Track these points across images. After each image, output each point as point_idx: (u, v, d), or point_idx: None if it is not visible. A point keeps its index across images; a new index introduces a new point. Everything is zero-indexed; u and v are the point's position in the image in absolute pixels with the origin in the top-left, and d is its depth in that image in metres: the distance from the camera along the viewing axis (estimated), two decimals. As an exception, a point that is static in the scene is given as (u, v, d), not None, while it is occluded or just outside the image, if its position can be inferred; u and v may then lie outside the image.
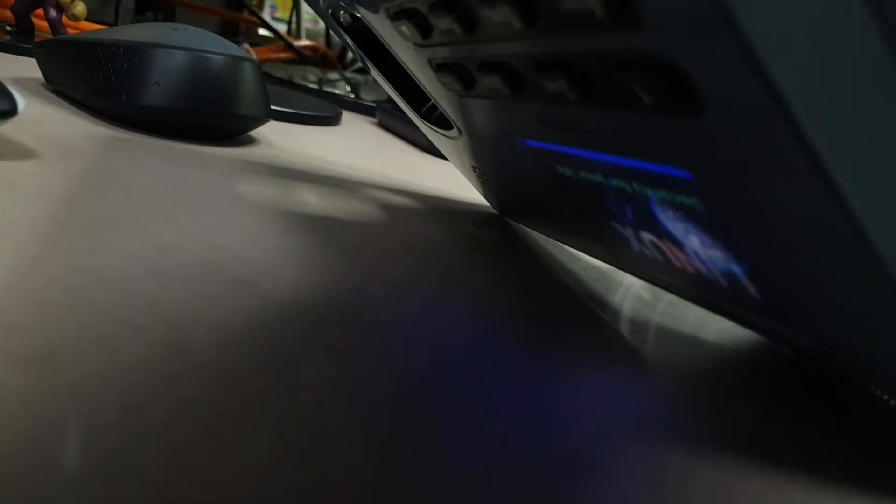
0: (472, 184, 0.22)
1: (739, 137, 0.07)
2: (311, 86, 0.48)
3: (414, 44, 0.13)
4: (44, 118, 0.21)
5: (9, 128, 0.19)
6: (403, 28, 0.12)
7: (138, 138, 0.22)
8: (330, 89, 0.49)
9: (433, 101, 0.16)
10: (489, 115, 0.13)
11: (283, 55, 0.58)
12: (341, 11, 0.16)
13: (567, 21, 0.08)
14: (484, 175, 0.18)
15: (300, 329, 0.11)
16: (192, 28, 0.24)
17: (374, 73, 0.18)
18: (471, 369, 0.11)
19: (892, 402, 0.14)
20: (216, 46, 0.23)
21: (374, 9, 0.13)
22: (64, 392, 0.08)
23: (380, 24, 0.14)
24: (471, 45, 0.11)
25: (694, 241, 0.11)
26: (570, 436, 0.10)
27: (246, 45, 0.58)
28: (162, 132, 0.23)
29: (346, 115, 0.41)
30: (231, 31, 0.78)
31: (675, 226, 0.11)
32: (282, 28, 0.72)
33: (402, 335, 0.12)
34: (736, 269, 0.10)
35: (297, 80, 0.48)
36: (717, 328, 0.17)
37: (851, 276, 0.08)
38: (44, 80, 0.27)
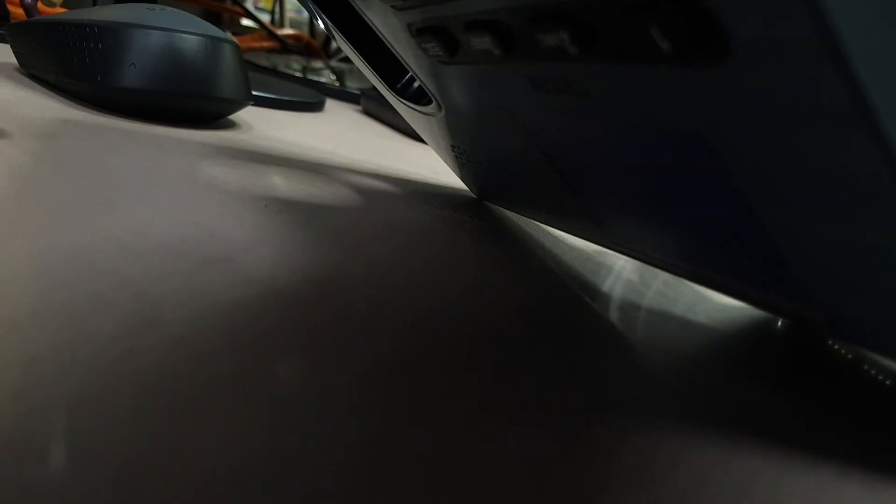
0: (450, 166, 0.21)
1: (767, 85, 0.07)
2: (296, 74, 0.47)
3: (392, 6, 0.12)
4: (16, 101, 0.21)
5: (-21, 109, 0.18)
6: None
7: (114, 121, 0.21)
8: (314, 78, 0.48)
9: (411, 72, 0.15)
10: (474, 85, 0.13)
11: (266, 44, 0.57)
12: None
13: None
14: (463, 155, 0.18)
15: (275, 305, 0.11)
16: (169, 8, 0.23)
17: (345, 47, 0.18)
18: (451, 348, 0.11)
19: (888, 382, 0.14)
20: (194, 27, 0.22)
21: None
22: (26, 364, 0.08)
23: None
24: (455, 1, 0.10)
25: (701, 206, 0.10)
26: (552, 411, 0.10)
27: (229, 34, 0.58)
28: (139, 115, 0.22)
29: (331, 103, 0.41)
30: (214, 20, 0.77)
31: (681, 189, 0.10)
32: (265, 17, 0.71)
33: (379, 314, 0.12)
34: (743, 238, 0.10)
35: (281, 69, 0.48)
36: (709, 308, 0.16)
37: (889, 242, 0.08)
38: (18, 65, 0.26)
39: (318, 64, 0.54)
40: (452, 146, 0.18)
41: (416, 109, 0.17)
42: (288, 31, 0.62)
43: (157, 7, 0.23)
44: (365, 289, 0.12)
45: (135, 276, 0.11)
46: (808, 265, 0.09)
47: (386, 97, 0.19)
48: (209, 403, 0.08)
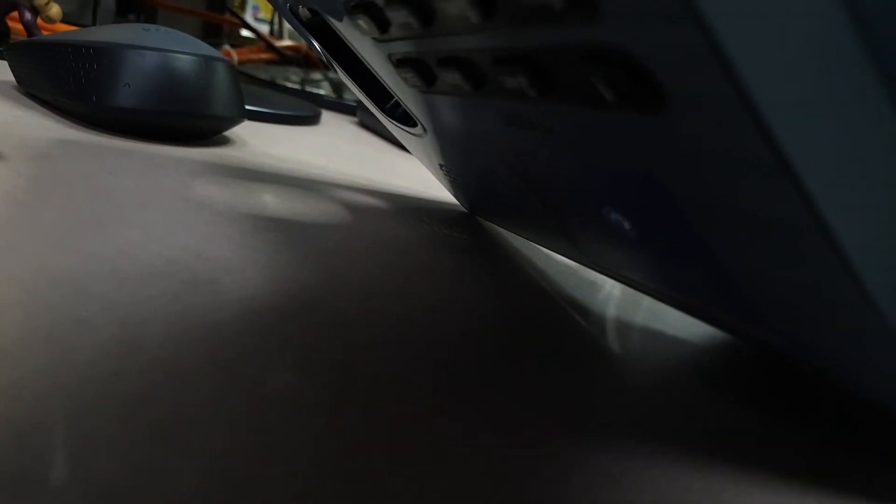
0: (441, 182, 0.22)
1: (700, 134, 0.07)
2: (294, 86, 0.48)
3: (372, 38, 0.13)
4: (13, 121, 0.21)
5: (-24, 130, 0.19)
6: (361, 22, 0.12)
7: (109, 140, 0.21)
8: (313, 89, 0.49)
9: (396, 98, 0.16)
10: (452, 112, 0.13)
11: (264, 56, 0.58)
12: (300, 6, 0.16)
13: (525, 13, 0.08)
14: (451, 173, 0.18)
15: (258, 326, 0.11)
16: (163, 28, 0.24)
17: (337, 70, 0.18)
18: (438, 369, 0.11)
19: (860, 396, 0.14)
20: (188, 46, 0.23)
21: (331, 5, 0.13)
22: (8, 389, 0.08)
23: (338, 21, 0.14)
24: (429, 39, 0.11)
25: (660, 233, 0.11)
26: (532, 425, 0.10)
27: (226, 47, 0.58)
28: (134, 134, 0.23)
29: (327, 115, 0.41)
30: (213, 32, 0.77)
31: (642, 218, 0.11)
32: (264, 29, 0.72)
33: (364, 333, 0.12)
34: (700, 264, 0.10)
35: (280, 82, 0.48)
36: (690, 322, 0.17)
37: (815, 276, 0.08)
38: (16, 83, 0.27)
39: (316, 76, 0.54)
40: (440, 165, 0.18)
41: (404, 129, 0.18)
42: (287, 42, 0.62)
43: (151, 27, 0.23)
44: (348, 307, 0.13)
45: (121, 299, 0.11)
46: (758, 292, 0.10)
47: (376, 116, 0.19)
48: (187, 424, 0.08)
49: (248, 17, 0.77)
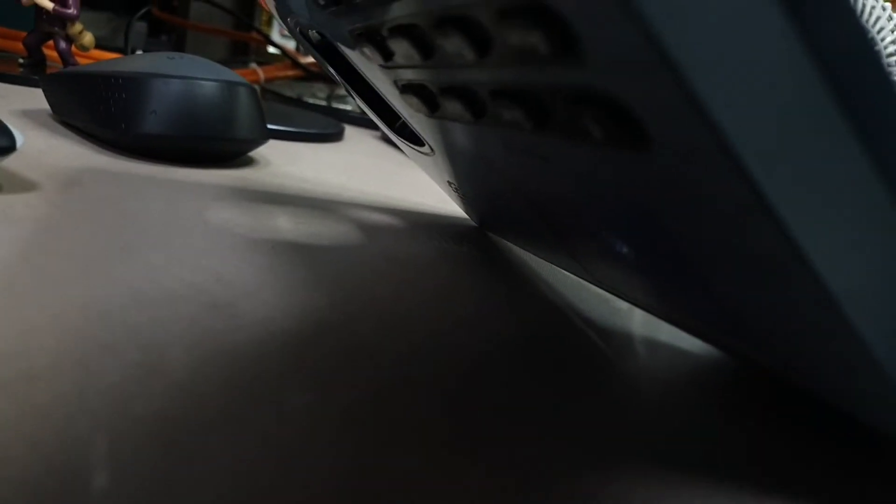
0: (451, 197, 0.22)
1: (684, 172, 0.07)
2: (320, 102, 0.49)
3: (379, 65, 0.13)
4: (47, 149, 0.22)
5: (13, 160, 0.20)
6: (366, 50, 0.13)
7: (138, 166, 0.22)
8: (338, 105, 0.50)
9: (404, 119, 0.16)
10: (457, 136, 0.14)
11: (290, 73, 0.59)
12: (310, 30, 0.16)
13: (516, 54, 0.08)
14: (459, 190, 0.19)
15: (274, 348, 0.12)
16: (188, 56, 0.25)
17: (347, 89, 0.19)
18: (432, 384, 0.12)
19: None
20: (211, 73, 0.24)
21: (337, 31, 0.14)
22: (37, 412, 0.09)
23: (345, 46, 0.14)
24: (431, 69, 0.11)
25: (656, 258, 0.11)
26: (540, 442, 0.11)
27: (253, 65, 0.60)
28: (162, 158, 0.24)
29: (351, 130, 0.42)
30: (241, 50, 0.79)
31: (637, 244, 0.11)
32: (291, 45, 0.73)
33: (379, 356, 0.13)
34: (693, 290, 0.11)
35: (306, 98, 0.49)
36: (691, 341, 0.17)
37: (799, 307, 0.08)
38: (51, 112, 0.28)
39: (342, 91, 0.55)
40: (449, 182, 0.19)
41: (413, 148, 0.18)
42: (312, 58, 0.64)
43: (176, 55, 0.24)
44: (360, 328, 0.13)
45: (142, 323, 0.12)
46: (751, 316, 0.10)
47: (387, 134, 0.20)
48: (204, 445, 0.09)
49: (275, 35, 0.79)
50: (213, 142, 0.24)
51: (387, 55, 0.12)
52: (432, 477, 0.09)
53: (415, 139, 0.18)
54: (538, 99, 0.09)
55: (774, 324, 0.09)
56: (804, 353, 0.10)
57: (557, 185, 0.12)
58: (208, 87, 0.23)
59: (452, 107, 0.12)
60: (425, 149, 0.17)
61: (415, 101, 0.13)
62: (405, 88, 0.13)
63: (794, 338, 0.09)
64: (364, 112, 0.19)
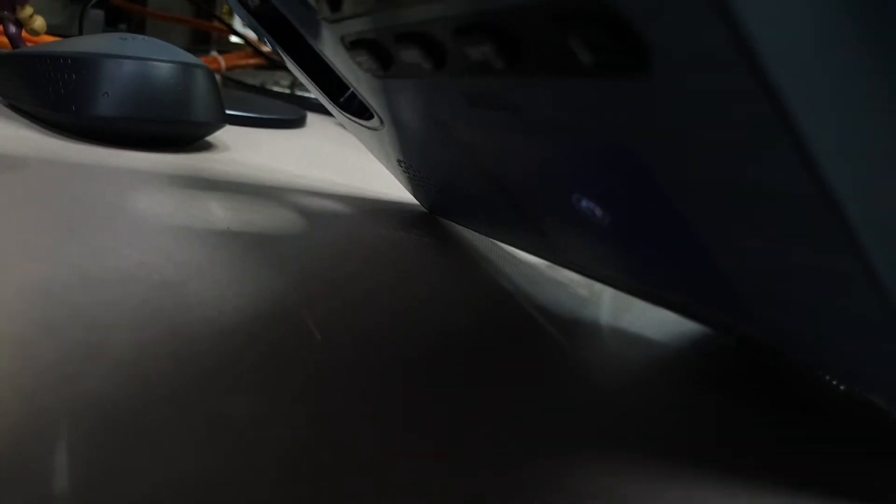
0: (399, 181, 0.21)
1: (688, 94, 0.07)
2: (283, 90, 0.48)
3: (324, 19, 0.12)
4: (-6, 133, 0.21)
5: (-45, 143, 0.19)
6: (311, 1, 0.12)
7: (90, 149, 0.22)
8: (301, 93, 0.49)
9: (351, 88, 0.16)
10: (412, 99, 0.13)
11: (252, 61, 0.58)
12: None
13: None
14: (410, 169, 0.18)
15: (224, 327, 0.12)
16: (141, 37, 0.24)
17: (288, 63, 0.18)
18: (384, 370, 0.12)
19: (842, 387, 0.14)
20: (165, 54, 0.23)
21: None
22: (-31, 394, 0.08)
23: (287, 4, 0.13)
24: (385, 13, 0.10)
25: (638, 220, 0.10)
26: (508, 432, 0.10)
27: (214, 53, 0.59)
28: (115, 142, 0.23)
29: (314, 117, 0.42)
30: (202, 39, 0.78)
31: (618, 203, 0.10)
32: (253, 35, 0.72)
33: (328, 336, 0.12)
34: (682, 252, 0.10)
35: (269, 86, 0.49)
36: (661, 321, 0.17)
37: (815, 255, 0.07)
38: (-1, 96, 0.27)
39: (304, 79, 0.55)
40: (399, 161, 0.18)
41: (359, 123, 0.18)
42: (275, 47, 0.62)
43: (129, 36, 0.24)
44: (310, 310, 0.13)
45: (88, 303, 0.11)
46: (746, 281, 0.09)
47: (330, 111, 0.19)
48: (143, 425, 0.09)
49: (237, 24, 0.77)
50: (168, 125, 0.23)
51: (335, 3, 0.11)
52: (388, 458, 0.09)
53: (361, 113, 0.17)
54: (511, 30, 0.08)
55: (779, 279, 0.09)
56: (809, 316, 0.09)
57: (527, 145, 0.11)
58: (162, 69, 0.23)
59: (409, 56, 0.10)
60: (374, 122, 0.16)
61: (365, 57, 0.12)
62: (354, 44, 0.12)
63: (799, 295, 0.09)
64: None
